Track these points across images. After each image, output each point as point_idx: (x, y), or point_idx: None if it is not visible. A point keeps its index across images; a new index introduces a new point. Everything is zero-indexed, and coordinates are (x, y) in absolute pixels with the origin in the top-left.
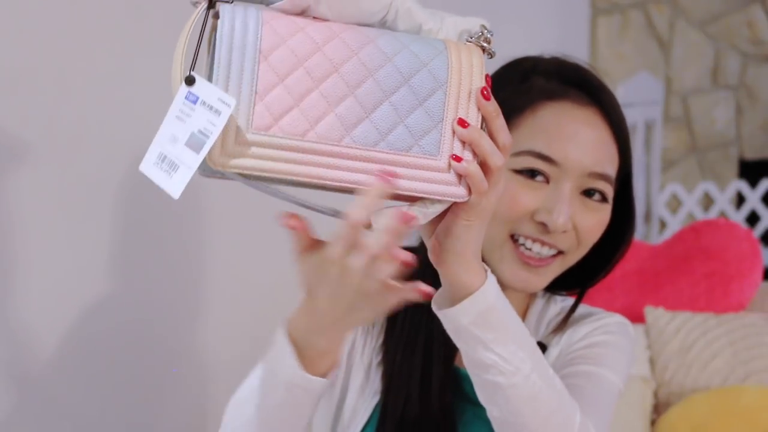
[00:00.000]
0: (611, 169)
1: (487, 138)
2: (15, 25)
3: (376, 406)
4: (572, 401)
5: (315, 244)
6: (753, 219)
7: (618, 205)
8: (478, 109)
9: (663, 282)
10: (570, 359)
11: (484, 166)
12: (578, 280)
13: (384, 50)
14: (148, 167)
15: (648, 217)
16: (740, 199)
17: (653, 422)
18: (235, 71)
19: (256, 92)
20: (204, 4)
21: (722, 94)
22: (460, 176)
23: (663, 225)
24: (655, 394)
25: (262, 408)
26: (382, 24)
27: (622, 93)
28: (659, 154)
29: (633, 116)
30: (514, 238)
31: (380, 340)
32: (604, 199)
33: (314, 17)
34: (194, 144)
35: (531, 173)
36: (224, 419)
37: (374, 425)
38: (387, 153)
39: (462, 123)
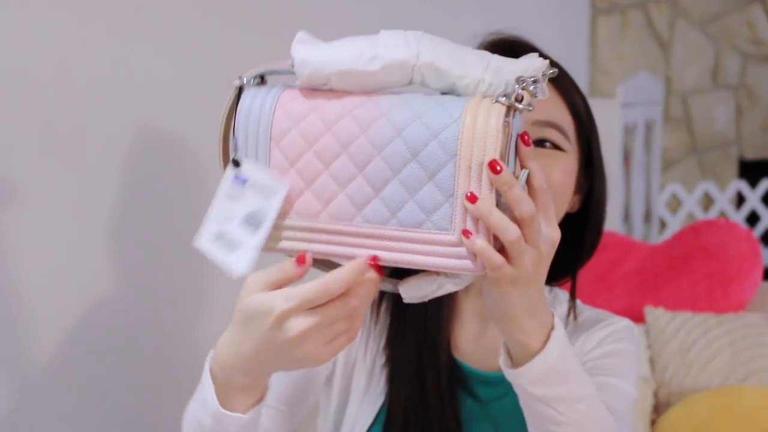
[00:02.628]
0: (558, 118)
1: (497, 213)
2: (15, 25)
3: (382, 406)
4: (614, 422)
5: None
6: (753, 219)
7: (588, 174)
8: None
9: (663, 282)
10: (586, 370)
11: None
12: (566, 267)
13: (395, 123)
14: (204, 244)
15: (648, 217)
16: (740, 199)
17: (653, 422)
18: (251, 157)
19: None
20: (235, 91)
21: (722, 94)
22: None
23: (663, 225)
24: (655, 394)
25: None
26: (411, 85)
27: (622, 93)
28: (659, 154)
29: (633, 116)
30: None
31: (383, 342)
32: (557, 147)
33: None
34: (251, 223)
35: None
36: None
37: (380, 426)
38: (398, 230)
39: (471, 198)
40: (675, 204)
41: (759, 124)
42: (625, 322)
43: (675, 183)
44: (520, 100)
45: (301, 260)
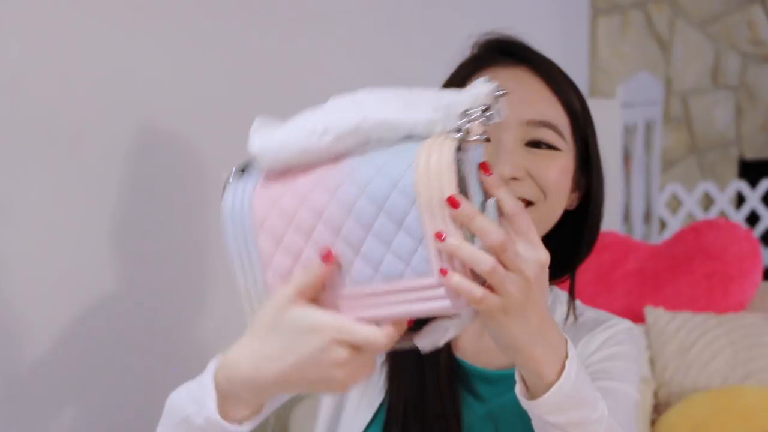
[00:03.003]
0: (552, 117)
1: (466, 246)
2: (15, 25)
3: (381, 404)
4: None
5: (312, 300)
6: (753, 219)
7: (585, 171)
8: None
9: (663, 282)
10: (588, 374)
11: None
12: (565, 265)
13: (358, 182)
14: None
15: (648, 217)
16: (740, 199)
17: (653, 422)
18: (242, 248)
19: (261, 262)
20: (222, 190)
21: (722, 94)
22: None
23: (663, 225)
24: (655, 394)
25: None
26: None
27: (622, 93)
28: (659, 154)
29: (633, 116)
30: None
31: None
32: (553, 147)
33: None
34: None
35: None
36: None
37: (379, 424)
38: (384, 285)
39: (438, 236)
40: (675, 204)
41: (759, 124)
42: (626, 324)
43: (675, 183)
44: (468, 133)
45: (327, 257)
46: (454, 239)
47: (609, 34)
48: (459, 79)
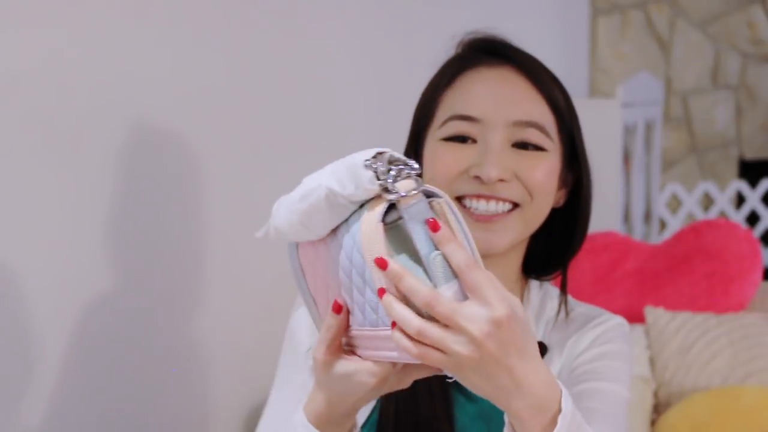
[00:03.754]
0: (539, 117)
1: (398, 307)
2: (15, 25)
3: (374, 408)
4: None
5: (338, 350)
6: (753, 219)
7: (572, 168)
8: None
9: (663, 282)
10: (578, 374)
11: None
12: (556, 261)
13: (340, 241)
14: None
15: (648, 217)
16: (740, 199)
17: (653, 422)
18: (302, 289)
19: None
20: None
21: (722, 94)
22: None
23: (663, 225)
24: (655, 394)
25: None
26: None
27: (622, 93)
28: (659, 154)
29: (633, 116)
30: (460, 201)
31: None
32: (539, 148)
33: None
34: None
35: (461, 139)
36: None
37: (372, 426)
38: (368, 330)
39: (379, 293)
40: (675, 204)
41: (759, 124)
42: (616, 320)
43: (675, 183)
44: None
45: (336, 309)
46: (388, 299)
47: (609, 34)
48: (445, 79)
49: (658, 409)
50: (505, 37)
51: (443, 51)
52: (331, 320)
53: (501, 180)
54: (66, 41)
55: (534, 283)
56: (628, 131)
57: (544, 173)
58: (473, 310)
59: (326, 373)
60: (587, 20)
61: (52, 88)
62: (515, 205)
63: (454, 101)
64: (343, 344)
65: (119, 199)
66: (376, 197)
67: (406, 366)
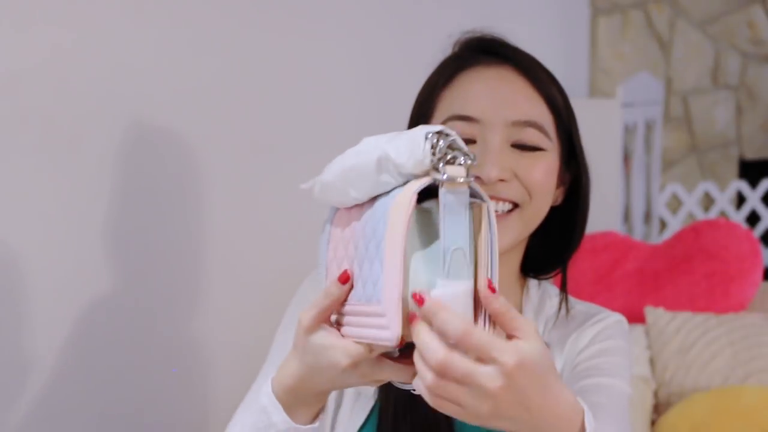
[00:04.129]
0: (537, 116)
1: (425, 332)
2: (15, 25)
3: (373, 408)
4: None
5: (326, 320)
6: (753, 219)
7: (570, 166)
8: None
9: (663, 282)
10: (580, 371)
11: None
12: (555, 259)
13: (375, 209)
14: None
15: (648, 217)
16: (740, 199)
17: (653, 422)
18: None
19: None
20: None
21: (722, 94)
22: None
23: (663, 225)
24: (655, 394)
25: None
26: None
27: (622, 93)
28: (659, 154)
29: (633, 116)
30: None
31: None
32: (538, 148)
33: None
34: None
35: None
36: None
37: (372, 426)
38: (360, 305)
39: (411, 318)
40: (675, 204)
41: (759, 124)
42: (615, 317)
43: (675, 183)
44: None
45: (343, 279)
46: (418, 325)
47: (609, 34)
48: (443, 78)
49: (658, 409)
50: (503, 35)
51: (440, 50)
52: (334, 289)
53: (501, 180)
54: (66, 41)
55: (533, 282)
56: (628, 131)
57: (542, 172)
58: (504, 344)
59: (305, 339)
60: (587, 20)
61: (52, 88)
62: (515, 206)
63: (452, 101)
64: (332, 319)
65: (119, 198)
66: (423, 176)
67: (379, 360)
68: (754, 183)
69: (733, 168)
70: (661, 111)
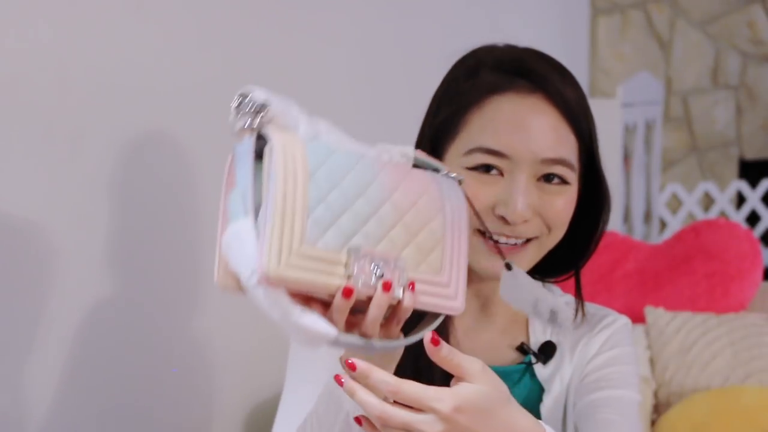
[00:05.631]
0: (566, 152)
1: (361, 390)
2: (15, 25)
3: None
4: None
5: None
6: (753, 219)
7: (589, 183)
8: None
9: (663, 282)
10: (589, 382)
11: None
12: (566, 264)
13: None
14: None
15: (648, 217)
16: (740, 199)
17: (653, 422)
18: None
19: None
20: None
21: (722, 94)
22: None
23: (663, 225)
24: (655, 394)
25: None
26: None
27: (622, 93)
28: (659, 154)
29: (633, 116)
30: (481, 232)
31: None
32: (564, 182)
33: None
34: None
35: (486, 168)
36: None
37: None
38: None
39: (337, 380)
40: (675, 204)
41: (759, 124)
42: (622, 320)
43: (675, 183)
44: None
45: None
46: (349, 384)
47: (609, 34)
48: (474, 99)
49: (658, 409)
50: (535, 50)
51: (450, 54)
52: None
53: (524, 221)
54: (66, 41)
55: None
56: (629, 131)
57: (564, 206)
58: (438, 392)
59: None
60: (587, 20)
61: (52, 88)
62: (531, 238)
63: (482, 129)
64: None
65: (119, 198)
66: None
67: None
68: (754, 183)
69: (733, 168)
70: (661, 111)
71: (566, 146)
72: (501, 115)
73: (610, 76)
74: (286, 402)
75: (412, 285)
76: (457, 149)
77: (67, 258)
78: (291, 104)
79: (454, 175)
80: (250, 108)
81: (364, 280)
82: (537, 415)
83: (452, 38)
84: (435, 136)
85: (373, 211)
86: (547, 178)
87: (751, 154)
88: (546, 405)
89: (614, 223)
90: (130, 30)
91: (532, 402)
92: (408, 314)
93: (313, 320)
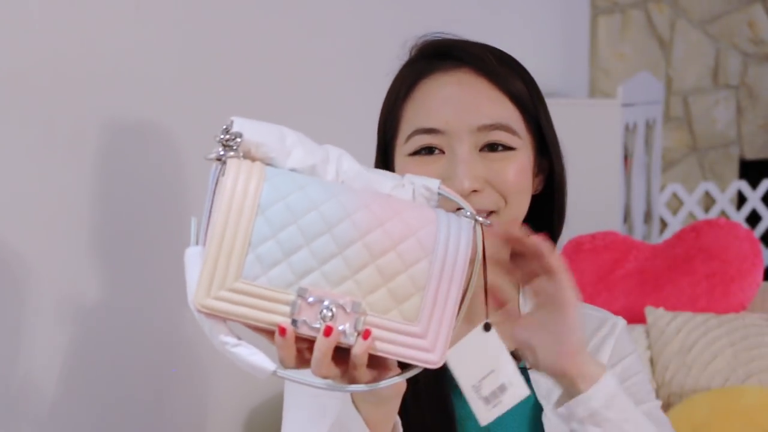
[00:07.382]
0: (502, 117)
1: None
2: (15, 25)
3: None
4: None
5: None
6: (753, 219)
7: (546, 153)
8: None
9: (663, 282)
10: None
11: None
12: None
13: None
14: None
15: (648, 217)
16: (741, 199)
17: None
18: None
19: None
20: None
21: (722, 93)
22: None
23: (663, 225)
24: (656, 395)
25: None
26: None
27: (622, 93)
28: (659, 154)
29: (633, 116)
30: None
31: None
32: (507, 148)
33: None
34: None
35: (428, 150)
36: None
37: None
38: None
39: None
40: (675, 204)
41: (759, 124)
42: (620, 324)
43: (675, 183)
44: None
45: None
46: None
47: (609, 34)
48: (403, 89)
49: None
50: (455, 35)
51: (396, 57)
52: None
53: (474, 191)
54: (66, 40)
55: None
56: (629, 131)
57: (515, 174)
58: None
59: None
60: (587, 20)
61: (52, 88)
62: (491, 212)
63: (415, 114)
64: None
65: (119, 198)
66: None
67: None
68: (754, 183)
69: (734, 168)
70: (662, 111)
71: (501, 112)
72: (430, 95)
73: (610, 76)
74: (288, 422)
75: (366, 332)
76: (399, 142)
77: (66, 257)
78: (284, 134)
79: (469, 214)
80: (223, 138)
81: (307, 320)
82: (536, 424)
83: (408, 44)
84: (382, 138)
85: (339, 250)
86: (492, 147)
87: (752, 154)
88: (548, 415)
89: (614, 223)
90: (131, 30)
91: (528, 408)
92: (363, 360)
93: (250, 353)
